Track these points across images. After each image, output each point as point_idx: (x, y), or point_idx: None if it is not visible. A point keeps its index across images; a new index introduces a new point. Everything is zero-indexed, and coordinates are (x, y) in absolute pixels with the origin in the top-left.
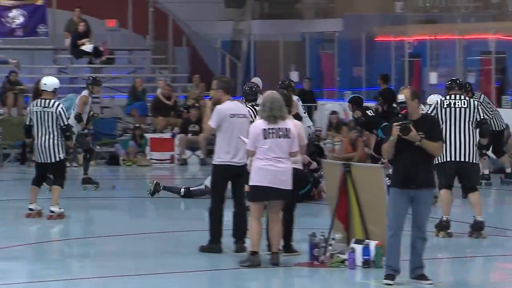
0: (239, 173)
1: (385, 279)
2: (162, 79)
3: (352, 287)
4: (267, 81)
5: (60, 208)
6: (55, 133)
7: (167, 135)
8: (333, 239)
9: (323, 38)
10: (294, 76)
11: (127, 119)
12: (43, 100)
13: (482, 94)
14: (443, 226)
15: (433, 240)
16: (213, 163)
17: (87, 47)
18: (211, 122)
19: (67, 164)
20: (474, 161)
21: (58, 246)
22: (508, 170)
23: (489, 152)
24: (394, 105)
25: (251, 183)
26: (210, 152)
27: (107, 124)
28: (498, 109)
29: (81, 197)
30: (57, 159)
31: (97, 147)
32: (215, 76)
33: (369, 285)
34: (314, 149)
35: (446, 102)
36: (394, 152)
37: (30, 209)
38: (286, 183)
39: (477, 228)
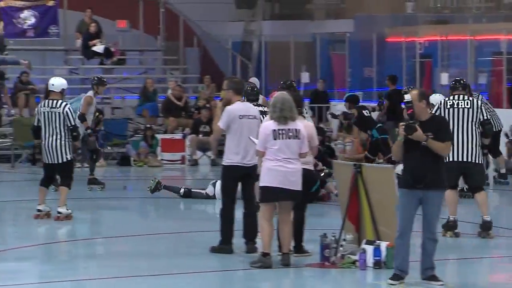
0: (249, 173)
1: (390, 279)
2: (173, 79)
3: None
4: (277, 82)
5: (67, 209)
6: (63, 133)
7: (178, 135)
8: (344, 240)
9: (334, 39)
10: (305, 77)
11: (138, 120)
12: (50, 101)
13: (480, 95)
14: (450, 226)
15: (440, 240)
16: (223, 164)
17: (98, 48)
18: (220, 123)
19: (78, 164)
20: (478, 161)
21: (69, 246)
22: (503, 171)
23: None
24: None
25: (261, 184)
26: (220, 153)
27: (118, 125)
28: (510, 109)
29: (93, 197)
30: (64, 159)
31: (108, 147)
32: (225, 76)
33: (380, 286)
34: (325, 149)
35: (450, 102)
36: (402, 153)
37: (39, 210)
38: (296, 184)
39: (485, 228)
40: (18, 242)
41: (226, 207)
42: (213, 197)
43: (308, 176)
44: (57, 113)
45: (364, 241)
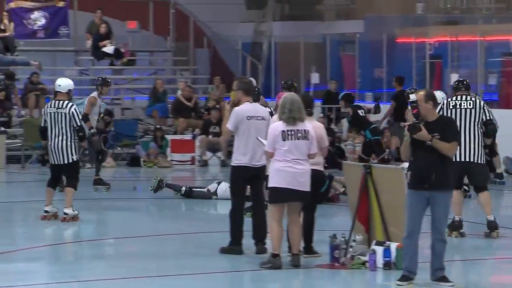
0: (257, 174)
1: (398, 280)
2: (183, 80)
3: None
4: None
5: (74, 210)
6: (68, 134)
7: (187, 136)
8: (354, 240)
9: (344, 40)
10: (315, 77)
11: (148, 121)
12: (57, 102)
13: (476, 95)
14: (455, 226)
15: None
16: (231, 164)
17: (108, 48)
18: (229, 124)
19: (88, 165)
20: (480, 161)
21: (78, 247)
22: (499, 171)
23: None
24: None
25: (270, 184)
26: (230, 154)
27: (128, 126)
28: None
29: (102, 198)
30: (70, 160)
31: (118, 148)
32: (235, 77)
33: (390, 287)
34: (335, 150)
35: (452, 103)
36: (410, 153)
37: (46, 211)
38: (305, 185)
39: (490, 228)
40: (27, 243)
41: (235, 208)
42: (214, 193)
43: (318, 177)
44: (63, 114)
45: (374, 242)
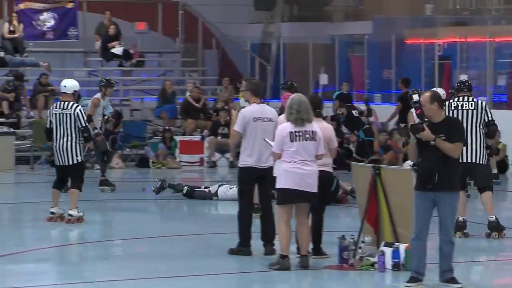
0: (264, 175)
1: (407, 282)
2: (192, 81)
3: None
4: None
5: (79, 212)
6: (73, 135)
7: (196, 137)
8: (363, 242)
9: (353, 41)
10: (324, 78)
11: (156, 122)
12: (62, 103)
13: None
14: (459, 227)
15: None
16: (238, 166)
17: (117, 49)
18: (236, 127)
19: (97, 166)
20: (482, 162)
21: (87, 248)
22: (494, 171)
23: None
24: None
25: (278, 186)
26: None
27: (137, 127)
28: None
29: (110, 199)
30: (75, 161)
31: (127, 149)
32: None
33: None
34: (343, 151)
35: (454, 104)
36: (416, 154)
37: (52, 213)
38: (313, 186)
39: (491, 228)
40: (36, 244)
41: (243, 209)
42: (215, 194)
43: (326, 178)
44: (68, 115)
45: (382, 243)
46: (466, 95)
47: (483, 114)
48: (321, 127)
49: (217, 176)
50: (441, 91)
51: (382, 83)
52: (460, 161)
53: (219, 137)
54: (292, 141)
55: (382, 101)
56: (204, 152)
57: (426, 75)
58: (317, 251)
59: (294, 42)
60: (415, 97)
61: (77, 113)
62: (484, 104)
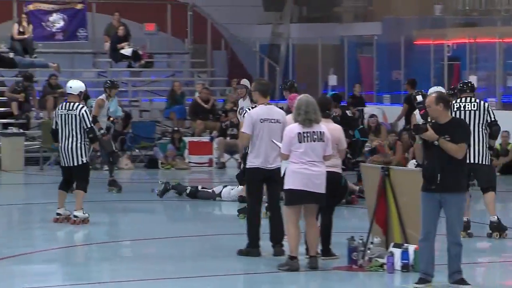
0: (271, 176)
1: (416, 283)
2: (201, 82)
3: None
4: (305, 84)
5: (84, 213)
6: (78, 136)
7: (205, 138)
8: (372, 243)
9: (362, 42)
10: (333, 79)
11: (165, 123)
12: (67, 103)
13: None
14: (463, 227)
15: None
16: (246, 167)
17: (126, 50)
18: (244, 129)
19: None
20: (485, 162)
21: (95, 249)
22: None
23: None
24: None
25: (285, 187)
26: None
27: (146, 128)
28: None
29: (118, 200)
30: (80, 162)
31: (136, 150)
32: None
33: None
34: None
35: (457, 105)
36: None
37: (58, 214)
38: (321, 187)
39: (492, 228)
40: (45, 245)
41: (252, 210)
42: (219, 195)
43: (335, 179)
44: (73, 116)
45: (391, 244)
46: (468, 96)
47: (485, 115)
48: (330, 128)
49: (226, 177)
50: (439, 89)
51: (391, 84)
52: None
53: (228, 138)
54: (300, 142)
55: (391, 102)
56: (213, 153)
57: (435, 76)
58: (326, 252)
59: (303, 43)
60: (419, 98)
61: (82, 114)
62: (486, 104)
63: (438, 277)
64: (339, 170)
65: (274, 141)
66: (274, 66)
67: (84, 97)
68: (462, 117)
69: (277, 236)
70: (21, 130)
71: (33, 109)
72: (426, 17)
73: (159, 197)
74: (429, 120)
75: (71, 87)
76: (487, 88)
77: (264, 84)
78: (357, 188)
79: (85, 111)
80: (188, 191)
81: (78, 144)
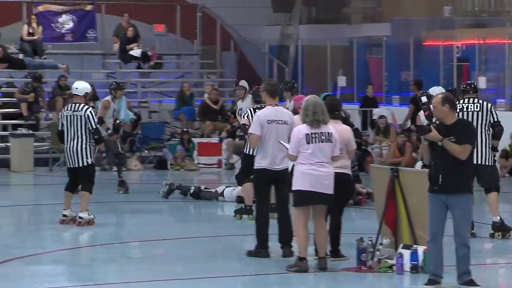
0: (279, 177)
1: (425, 284)
2: (210, 83)
3: None
4: (314, 85)
5: (89, 214)
6: (84, 137)
7: (214, 139)
8: (381, 244)
9: (371, 43)
10: (342, 80)
11: (175, 124)
12: (73, 104)
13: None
14: None
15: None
16: (254, 167)
17: (136, 52)
18: (253, 130)
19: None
20: (488, 163)
21: (104, 250)
22: None
23: None
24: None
25: (294, 188)
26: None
27: (155, 129)
28: None
29: (127, 201)
30: (85, 163)
31: (145, 151)
32: (263, 80)
33: None
34: (361, 153)
35: (459, 106)
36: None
37: (64, 215)
38: (329, 188)
39: (496, 228)
40: (55, 246)
41: (260, 211)
42: (221, 194)
43: (345, 180)
44: (78, 116)
45: (401, 245)
46: (471, 97)
47: (488, 116)
48: (340, 129)
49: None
50: (439, 90)
51: (401, 85)
52: None
53: (237, 139)
54: (308, 143)
55: (401, 103)
56: (222, 154)
57: (444, 77)
58: (335, 253)
59: (312, 44)
60: (423, 99)
61: (88, 115)
62: (489, 105)
63: (448, 278)
64: (348, 171)
65: (282, 142)
66: (283, 67)
67: (93, 98)
68: (465, 118)
69: (286, 237)
70: (31, 131)
71: (42, 110)
72: (435, 18)
73: (165, 198)
74: (433, 121)
75: (77, 88)
76: (496, 89)
77: (273, 84)
78: (364, 190)
79: (90, 112)
80: (191, 191)
81: (83, 145)
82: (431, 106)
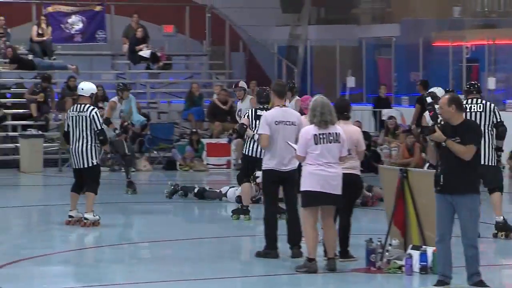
0: (286, 178)
1: (434, 285)
2: (219, 84)
3: None
4: (323, 86)
5: (95, 215)
6: (89, 138)
7: (223, 140)
8: (390, 245)
9: (380, 43)
10: (351, 81)
11: (184, 124)
12: (79, 105)
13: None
14: None
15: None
16: (262, 168)
17: (145, 52)
18: (262, 130)
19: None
20: (491, 163)
21: (114, 250)
22: None
23: None
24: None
25: (302, 188)
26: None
27: (164, 129)
28: None
29: (136, 202)
30: (90, 164)
31: (154, 152)
32: (271, 81)
33: None
34: (370, 154)
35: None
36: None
37: (70, 216)
38: (337, 188)
39: (499, 228)
40: (64, 246)
41: (269, 212)
42: (225, 195)
43: (354, 181)
44: (83, 117)
45: (410, 246)
46: (475, 97)
47: (491, 116)
48: (349, 130)
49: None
50: (439, 91)
51: (410, 85)
52: None
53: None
54: (316, 144)
55: (410, 104)
56: (231, 154)
57: (453, 78)
58: (344, 254)
59: (321, 44)
60: (428, 99)
61: (93, 115)
62: (492, 106)
63: (457, 279)
64: (357, 172)
65: (290, 143)
66: (292, 68)
67: (102, 99)
68: (468, 118)
69: (294, 238)
70: (40, 132)
71: (51, 111)
72: (444, 18)
73: (168, 198)
74: (439, 121)
75: (82, 89)
76: (505, 90)
77: (281, 85)
78: (370, 194)
79: (95, 112)
80: (196, 190)
81: (89, 146)
82: (435, 106)
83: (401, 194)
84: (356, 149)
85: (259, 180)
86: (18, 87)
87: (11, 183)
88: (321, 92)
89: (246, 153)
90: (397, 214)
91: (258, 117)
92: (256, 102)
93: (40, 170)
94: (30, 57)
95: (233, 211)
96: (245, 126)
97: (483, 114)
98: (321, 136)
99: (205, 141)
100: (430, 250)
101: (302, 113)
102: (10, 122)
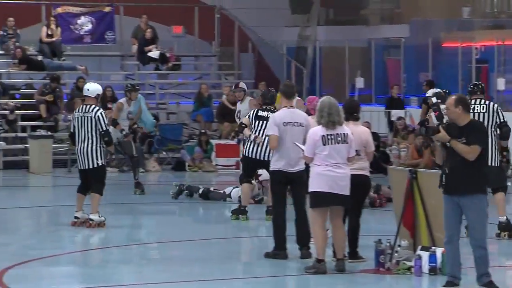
0: (294, 179)
1: (443, 286)
2: (228, 85)
3: None
4: (332, 87)
5: (100, 216)
6: (94, 138)
7: (232, 141)
8: (399, 246)
9: (389, 44)
10: (360, 82)
11: (193, 125)
12: (84, 106)
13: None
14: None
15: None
16: (270, 169)
17: (154, 53)
18: (271, 131)
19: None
20: (494, 164)
21: (122, 251)
22: None
23: None
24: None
25: (310, 189)
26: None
27: (173, 130)
28: None
29: (144, 202)
30: (95, 165)
31: (163, 152)
32: (280, 82)
33: None
34: (379, 155)
35: None
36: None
37: (76, 217)
38: (345, 189)
39: (501, 228)
40: (73, 247)
41: (277, 213)
42: (229, 195)
43: (363, 182)
44: (89, 118)
45: (419, 247)
46: (479, 98)
47: (495, 116)
48: (358, 131)
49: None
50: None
51: (419, 86)
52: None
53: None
54: (324, 145)
55: (419, 105)
56: (240, 155)
57: (463, 78)
58: (353, 254)
59: (330, 45)
60: (434, 99)
61: (98, 116)
62: (496, 106)
63: (466, 280)
64: (366, 173)
65: (297, 144)
66: (301, 69)
67: (111, 99)
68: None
69: (303, 239)
70: (49, 133)
71: (61, 111)
72: (454, 19)
73: (174, 199)
74: (444, 121)
75: (88, 90)
76: None
77: (289, 86)
78: (375, 195)
79: (100, 113)
80: (200, 191)
81: (94, 147)
82: (441, 106)
83: (410, 195)
84: (365, 150)
85: (261, 178)
86: (28, 88)
87: (20, 184)
88: (330, 93)
89: (245, 154)
90: (406, 215)
91: (258, 118)
92: (261, 102)
93: (49, 171)
94: (40, 58)
95: (232, 211)
96: (243, 125)
97: (486, 114)
98: (329, 137)
99: (214, 142)
100: (439, 251)
101: (309, 113)
102: (19, 123)
